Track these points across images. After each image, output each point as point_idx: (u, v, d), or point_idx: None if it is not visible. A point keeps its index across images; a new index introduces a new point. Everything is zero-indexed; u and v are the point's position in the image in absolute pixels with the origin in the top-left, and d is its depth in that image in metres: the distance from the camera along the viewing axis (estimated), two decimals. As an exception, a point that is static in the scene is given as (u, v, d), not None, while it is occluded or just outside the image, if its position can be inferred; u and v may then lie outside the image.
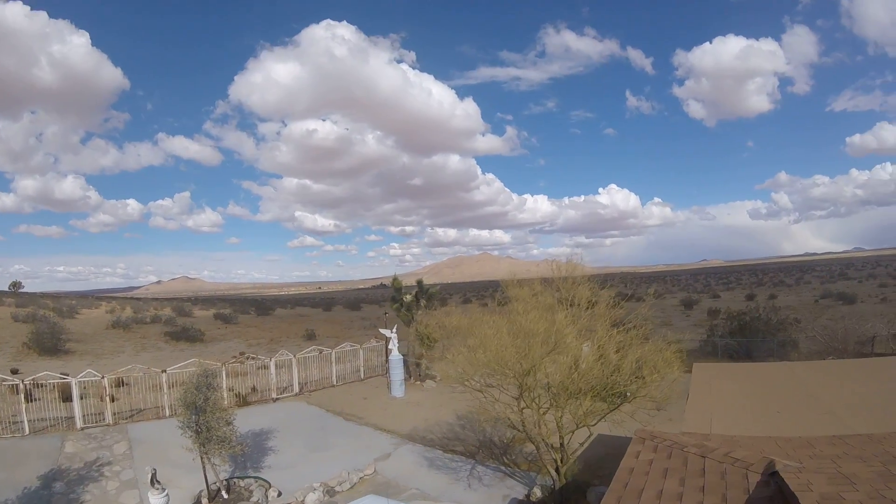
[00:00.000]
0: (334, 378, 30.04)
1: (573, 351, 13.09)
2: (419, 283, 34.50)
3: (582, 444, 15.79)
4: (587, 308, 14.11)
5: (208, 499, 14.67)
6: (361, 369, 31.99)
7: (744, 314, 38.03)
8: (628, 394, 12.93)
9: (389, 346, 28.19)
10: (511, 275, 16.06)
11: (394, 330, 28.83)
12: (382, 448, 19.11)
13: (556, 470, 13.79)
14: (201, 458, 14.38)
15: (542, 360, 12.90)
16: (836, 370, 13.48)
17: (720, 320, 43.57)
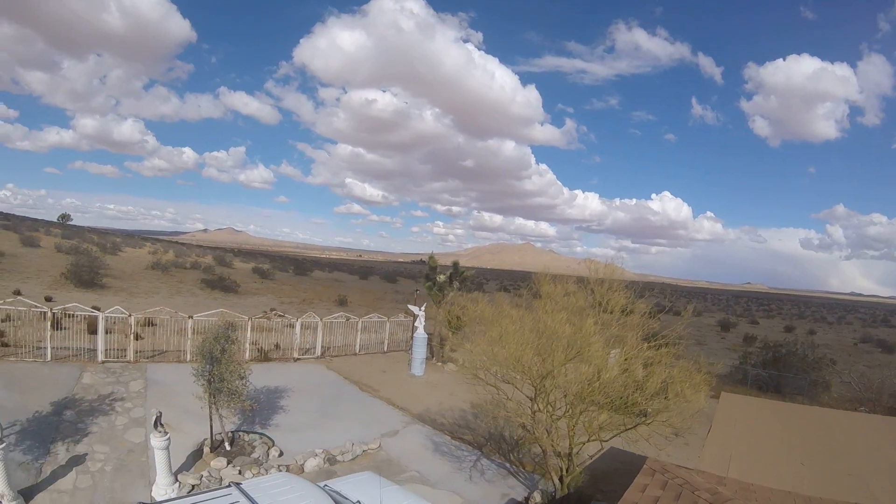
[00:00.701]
0: (357, 346, 30.05)
1: (598, 360, 12.67)
2: (455, 264, 34.27)
3: (592, 457, 15.48)
4: (620, 316, 13.71)
5: (210, 448, 14.68)
6: (385, 342, 31.87)
7: (780, 346, 37.12)
8: (649, 412, 12.54)
9: (416, 324, 27.93)
10: (545, 269, 15.64)
11: (422, 308, 28.55)
12: (392, 424, 19.00)
13: (560, 479, 13.52)
14: (210, 407, 14.39)
15: (563, 366, 12.57)
16: (867, 425, 12.87)
17: (755, 348, 42.75)
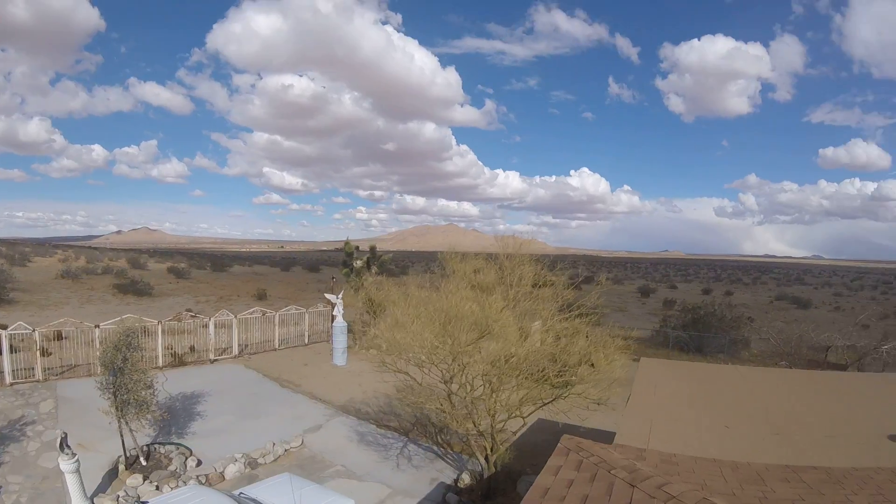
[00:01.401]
0: (277, 341, 29.16)
1: (511, 336, 12.41)
2: (371, 248, 33.84)
3: (515, 433, 15.25)
4: (532, 289, 13.55)
5: (126, 465, 13.88)
6: (306, 334, 31.07)
7: (698, 308, 38.07)
8: (570, 383, 12.38)
9: (334, 313, 27.27)
10: (450, 247, 15.29)
11: (339, 296, 27.87)
12: (314, 419, 18.44)
13: (486, 458, 13.28)
14: (118, 422, 13.59)
15: (470, 346, 12.23)
16: (790, 380, 12.87)
17: (674, 312, 43.78)
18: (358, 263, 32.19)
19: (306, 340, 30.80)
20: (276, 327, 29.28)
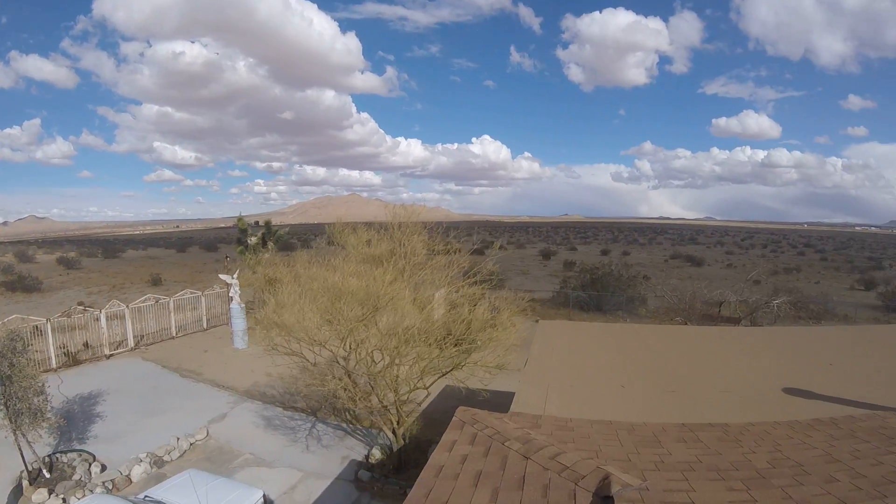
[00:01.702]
0: (174, 329, 27.96)
1: (404, 308, 12.30)
2: (266, 223, 32.89)
3: (421, 403, 15.19)
4: (428, 259, 13.51)
5: (29, 480, 13.06)
6: (204, 318, 30.03)
7: (596, 269, 39.04)
8: (476, 345, 12.41)
9: (230, 294, 26.35)
10: (346, 218, 15.06)
11: (235, 276, 26.81)
12: (219, 408, 17.86)
13: (393, 431, 13.24)
14: (14, 434, 12.69)
15: (359, 323, 12.04)
16: (685, 337, 13.14)
17: (574, 273, 44.71)
18: (253, 240, 31.22)
19: (205, 325, 29.82)
20: (172, 314, 28.03)
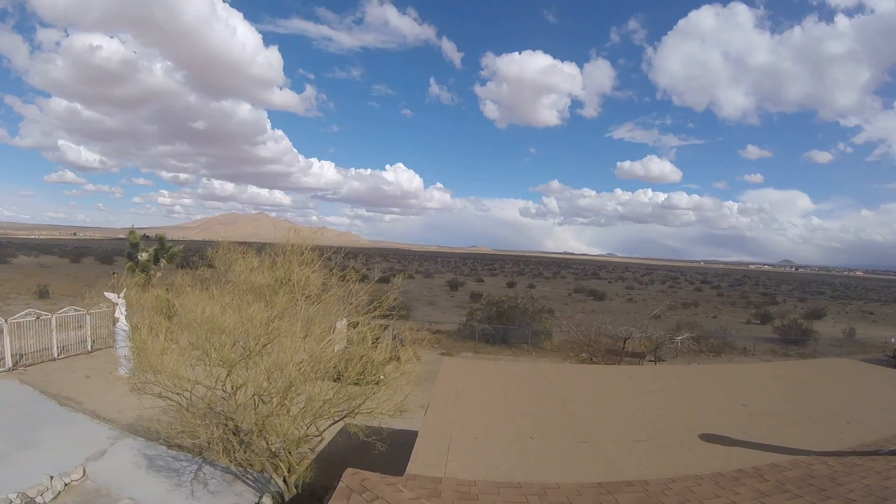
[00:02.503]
0: (55, 349, 25.63)
1: (294, 345, 11.24)
2: (160, 238, 30.86)
3: (312, 449, 14.15)
4: (323, 290, 12.52)
5: None
6: (89, 340, 27.63)
7: (502, 301, 38.95)
8: (379, 377, 11.55)
9: (116, 314, 24.30)
10: (224, 238, 13.83)
11: (121, 294, 24.78)
12: (98, 443, 16.11)
13: (284, 480, 12.14)
14: None
15: (235, 364, 11.00)
16: (592, 376, 12.70)
17: (480, 305, 44.52)
18: (143, 256, 29.20)
19: (89, 347, 27.51)
20: (54, 332, 25.74)
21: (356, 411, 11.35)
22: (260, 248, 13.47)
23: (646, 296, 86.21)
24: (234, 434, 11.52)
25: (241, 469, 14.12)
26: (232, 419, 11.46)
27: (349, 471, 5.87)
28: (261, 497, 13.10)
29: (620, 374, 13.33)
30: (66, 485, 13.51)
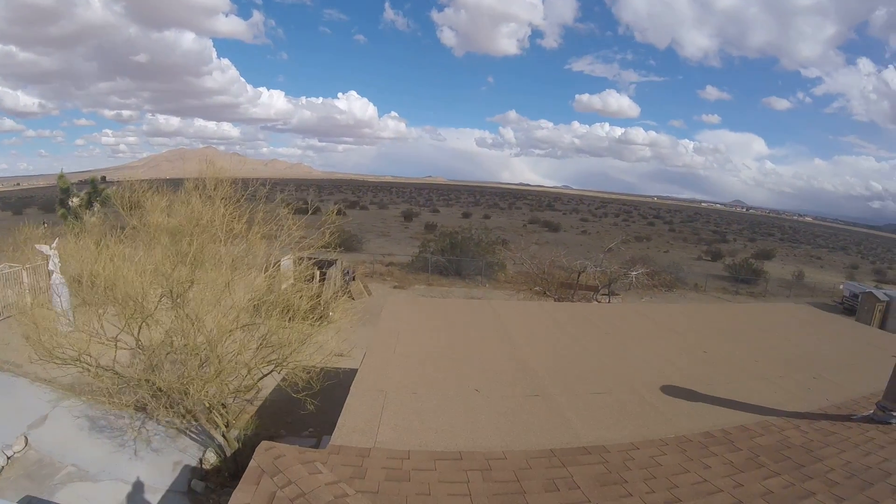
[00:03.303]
0: None
1: (210, 298, 10.31)
2: (92, 181, 28.94)
3: (250, 401, 13.32)
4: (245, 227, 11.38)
5: None
6: (29, 297, 25.84)
7: (456, 233, 38.30)
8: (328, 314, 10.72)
9: (50, 267, 22.75)
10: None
11: (53, 245, 23.21)
12: (39, 408, 14.97)
13: (223, 435, 11.35)
14: None
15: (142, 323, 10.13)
16: (547, 316, 11.90)
17: (434, 237, 43.92)
18: (75, 201, 27.32)
19: (30, 305, 25.77)
20: (-11, 293, 24.05)
21: (286, 360, 10.48)
22: (177, 184, 12.21)
23: (599, 228, 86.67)
24: (160, 393, 10.60)
25: (183, 422, 13.30)
26: (148, 380, 10.54)
27: (263, 445, 5.06)
28: (204, 451, 12.50)
29: (576, 313, 12.71)
30: (8, 458, 12.58)
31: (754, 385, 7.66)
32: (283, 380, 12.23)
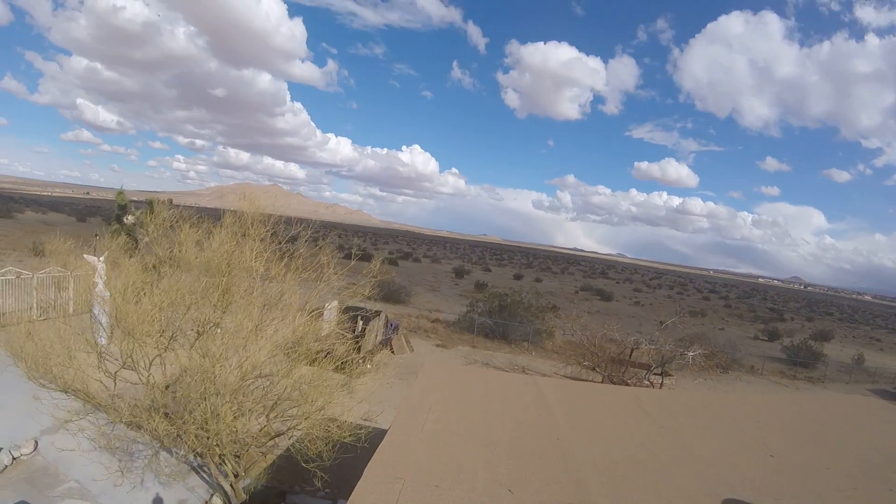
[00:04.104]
0: (36, 311, 24.30)
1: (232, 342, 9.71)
2: (150, 202, 29.28)
3: (264, 454, 12.61)
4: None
5: None
6: (72, 303, 25.85)
7: (505, 295, 37.52)
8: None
9: (95, 279, 22.76)
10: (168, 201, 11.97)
11: (101, 259, 23.14)
12: (57, 415, 14.64)
13: (231, 485, 10.65)
14: None
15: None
16: (595, 398, 10.99)
17: (483, 296, 43.32)
18: (130, 219, 27.57)
19: (72, 310, 25.78)
20: (35, 292, 24.42)
21: (307, 418, 9.75)
22: (219, 216, 11.65)
23: (653, 300, 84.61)
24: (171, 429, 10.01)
25: (199, 459, 12.62)
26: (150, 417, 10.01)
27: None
28: (211, 496, 11.86)
29: (628, 398, 11.57)
30: (13, 459, 12.55)
31: (825, 497, 6.79)
32: (298, 441, 11.53)
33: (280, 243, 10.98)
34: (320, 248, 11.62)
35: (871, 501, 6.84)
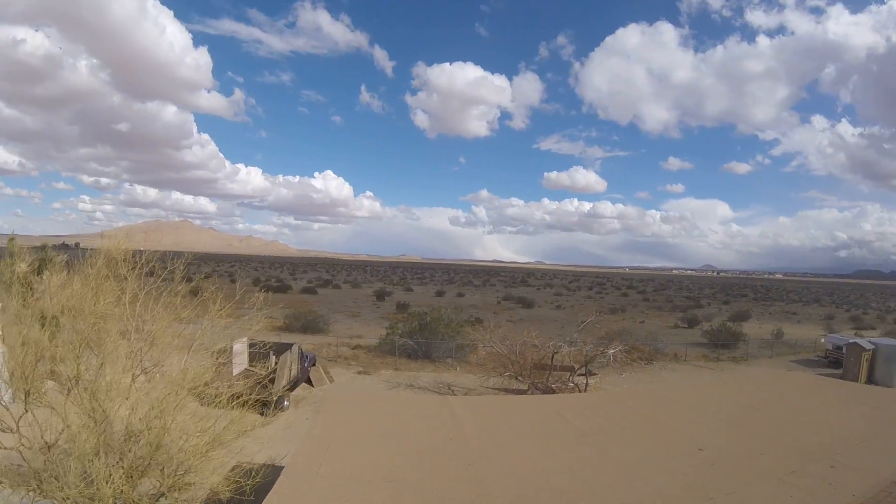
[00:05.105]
0: None
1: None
2: (43, 247, 27.56)
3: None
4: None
5: None
6: None
7: (425, 314, 36.82)
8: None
9: None
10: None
11: None
12: None
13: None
14: None
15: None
16: (515, 415, 10.35)
17: (402, 318, 42.75)
18: (22, 267, 25.65)
19: None
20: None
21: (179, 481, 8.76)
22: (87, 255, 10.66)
23: (574, 302, 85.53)
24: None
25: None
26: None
27: None
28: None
29: (547, 410, 10.94)
30: None
31: (763, 488, 6.35)
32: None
33: (158, 281, 10.06)
34: (198, 283, 10.77)
35: (811, 483, 6.50)
